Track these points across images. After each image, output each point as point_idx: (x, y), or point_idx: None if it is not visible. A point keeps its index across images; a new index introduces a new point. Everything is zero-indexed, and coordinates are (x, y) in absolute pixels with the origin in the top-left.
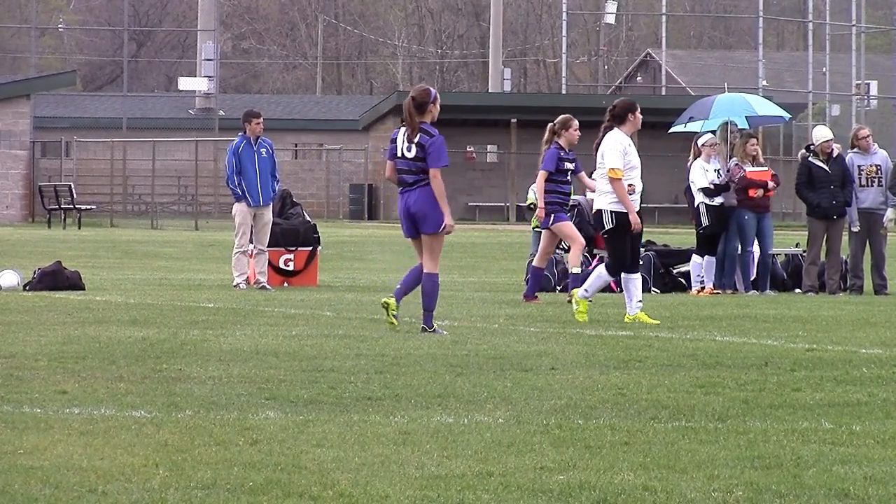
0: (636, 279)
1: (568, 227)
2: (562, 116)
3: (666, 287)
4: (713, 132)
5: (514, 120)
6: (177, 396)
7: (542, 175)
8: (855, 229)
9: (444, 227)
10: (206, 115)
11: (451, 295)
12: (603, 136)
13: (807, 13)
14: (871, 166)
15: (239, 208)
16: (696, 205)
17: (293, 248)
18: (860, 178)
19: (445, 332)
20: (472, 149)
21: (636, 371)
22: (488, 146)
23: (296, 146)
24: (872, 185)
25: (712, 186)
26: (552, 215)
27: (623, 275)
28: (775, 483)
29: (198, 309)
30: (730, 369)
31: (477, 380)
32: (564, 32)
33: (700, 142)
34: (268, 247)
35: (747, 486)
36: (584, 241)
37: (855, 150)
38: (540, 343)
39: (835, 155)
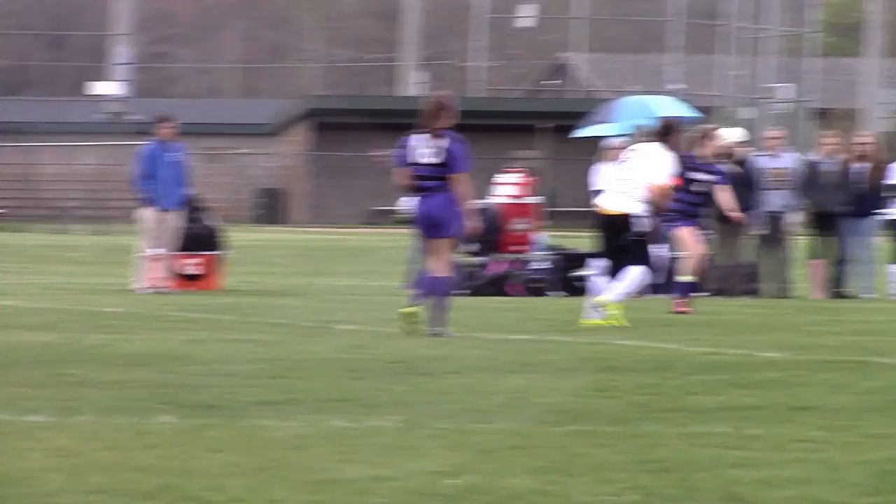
0: (638, 272)
1: (685, 234)
2: (702, 126)
3: (573, 290)
4: (623, 136)
5: None
6: (75, 401)
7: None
8: (759, 232)
9: (461, 230)
10: (119, 119)
11: (353, 299)
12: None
13: (721, 17)
14: (778, 169)
15: (147, 212)
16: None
17: (199, 253)
18: (767, 181)
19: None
20: (379, 153)
21: (534, 375)
22: None
23: (207, 150)
24: (779, 188)
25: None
26: (671, 222)
27: (634, 269)
28: (667, 486)
29: (102, 313)
30: (627, 373)
31: (375, 384)
32: (479, 36)
33: (607, 145)
34: (174, 251)
35: (639, 490)
36: (701, 250)
37: (763, 152)
38: (440, 347)
39: (741, 158)
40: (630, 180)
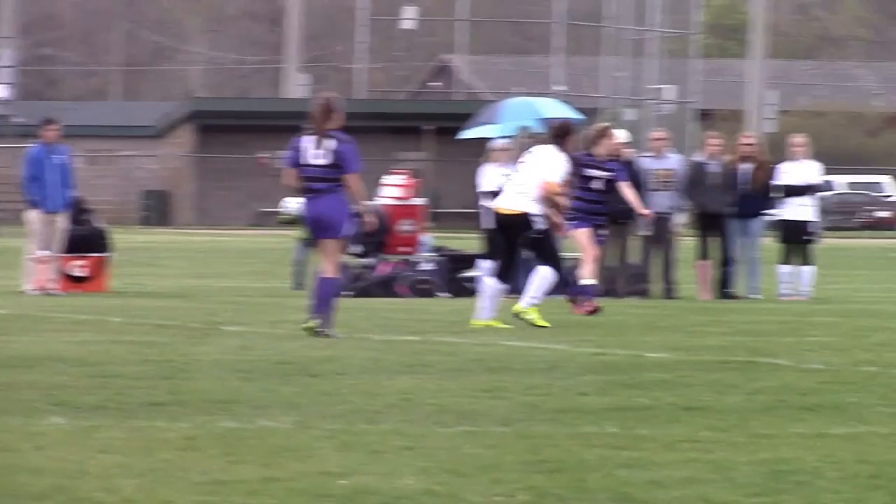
0: (546, 273)
1: (582, 236)
2: (599, 125)
3: (456, 291)
4: (508, 137)
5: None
6: None
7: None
8: (645, 233)
9: (350, 232)
10: (3, 121)
11: (241, 300)
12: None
13: (604, 18)
14: (663, 170)
15: (33, 215)
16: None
17: (85, 255)
18: (653, 182)
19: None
20: (264, 154)
21: (422, 376)
22: (281, 152)
23: (92, 152)
24: (665, 189)
25: (498, 190)
26: (572, 221)
27: (542, 270)
28: (558, 487)
29: None
30: (516, 374)
31: (264, 385)
32: (362, 38)
33: (493, 146)
34: (60, 253)
35: (531, 490)
36: (596, 252)
37: (648, 153)
38: (328, 348)
39: (627, 159)
40: (526, 181)
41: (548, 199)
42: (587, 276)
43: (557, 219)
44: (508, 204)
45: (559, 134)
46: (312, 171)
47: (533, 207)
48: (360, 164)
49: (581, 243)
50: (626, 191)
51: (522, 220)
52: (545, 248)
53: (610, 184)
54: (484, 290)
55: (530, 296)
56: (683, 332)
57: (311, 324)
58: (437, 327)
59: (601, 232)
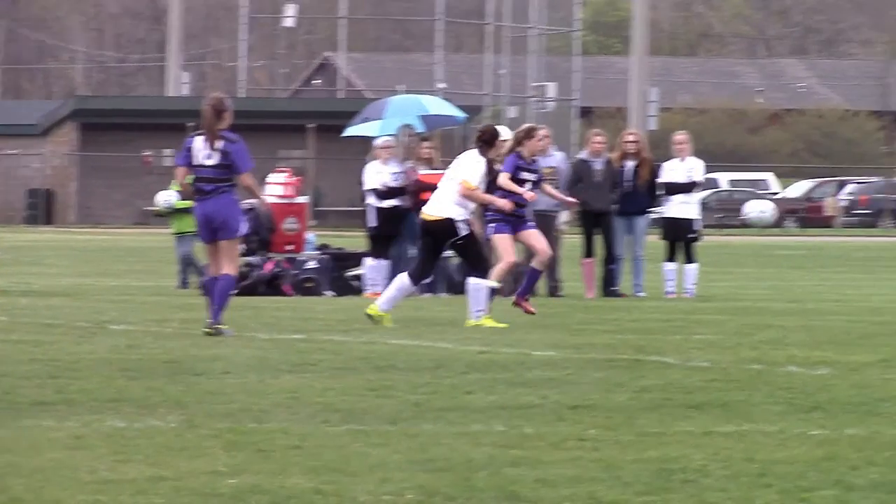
0: (478, 283)
1: (503, 241)
2: (526, 125)
3: (340, 290)
4: (392, 135)
5: (190, 123)
6: None
7: (503, 176)
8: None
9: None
10: None
11: (127, 299)
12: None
13: (486, 15)
14: (547, 168)
15: None
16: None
17: None
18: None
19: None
20: (149, 153)
21: (309, 374)
22: (164, 150)
23: None
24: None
25: (383, 188)
26: (493, 224)
27: (472, 282)
28: (446, 486)
29: None
30: (402, 372)
31: (150, 384)
32: (243, 35)
33: (376, 144)
34: None
35: (418, 489)
36: (514, 259)
37: None
38: (213, 347)
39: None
40: (449, 187)
41: (470, 198)
42: (495, 279)
43: (478, 226)
44: (433, 210)
45: (484, 139)
46: (204, 171)
47: (456, 213)
48: (251, 162)
49: (501, 248)
50: (548, 189)
51: (446, 225)
52: (470, 254)
53: (534, 185)
54: (395, 283)
55: (475, 310)
56: (569, 330)
57: (210, 327)
58: (322, 326)
59: (530, 223)
